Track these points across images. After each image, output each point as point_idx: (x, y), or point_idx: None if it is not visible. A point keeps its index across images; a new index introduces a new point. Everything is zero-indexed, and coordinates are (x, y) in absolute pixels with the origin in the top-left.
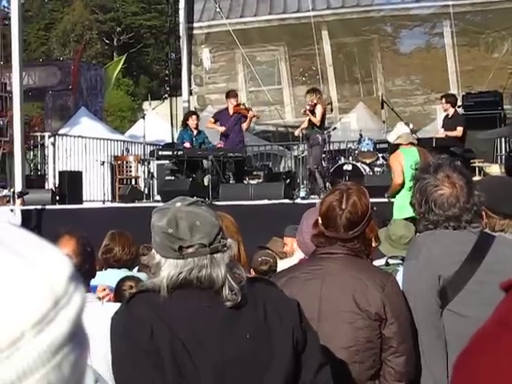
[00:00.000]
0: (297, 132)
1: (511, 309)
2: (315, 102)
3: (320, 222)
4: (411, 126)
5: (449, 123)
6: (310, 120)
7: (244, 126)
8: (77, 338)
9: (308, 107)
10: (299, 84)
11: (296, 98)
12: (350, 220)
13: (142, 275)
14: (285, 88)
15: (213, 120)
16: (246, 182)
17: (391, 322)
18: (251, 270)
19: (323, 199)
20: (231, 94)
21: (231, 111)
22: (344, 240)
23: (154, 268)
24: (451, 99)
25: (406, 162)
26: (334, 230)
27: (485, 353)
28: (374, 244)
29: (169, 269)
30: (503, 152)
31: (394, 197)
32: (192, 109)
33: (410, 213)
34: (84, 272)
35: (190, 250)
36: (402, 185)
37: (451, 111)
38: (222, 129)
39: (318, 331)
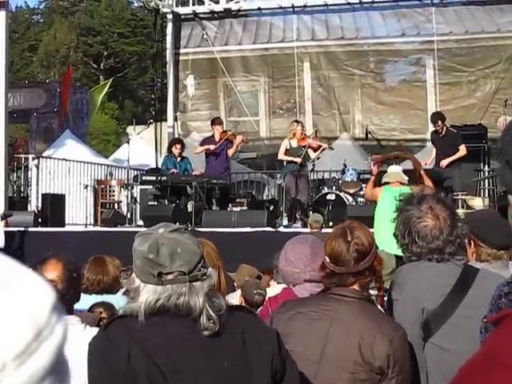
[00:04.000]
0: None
1: (500, 343)
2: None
3: (328, 260)
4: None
5: (445, 141)
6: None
7: (230, 151)
8: (58, 368)
9: (311, 140)
10: (276, 117)
11: (272, 130)
12: (359, 251)
13: (125, 299)
14: (262, 120)
15: (199, 147)
16: (229, 209)
17: (392, 377)
18: (241, 298)
19: (327, 240)
20: (217, 120)
21: (217, 138)
22: (355, 274)
23: (132, 292)
24: (441, 117)
25: (382, 199)
26: (344, 265)
27: None
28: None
29: (147, 294)
30: (486, 185)
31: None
32: (176, 135)
33: (388, 248)
34: (69, 296)
35: (170, 276)
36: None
37: (444, 130)
38: (213, 147)
39: (316, 374)
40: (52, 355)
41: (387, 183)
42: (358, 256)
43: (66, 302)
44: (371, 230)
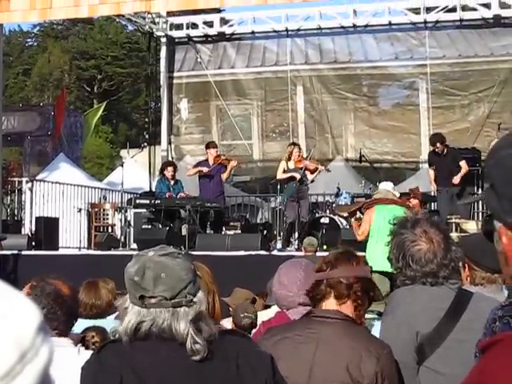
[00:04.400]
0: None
1: (489, 369)
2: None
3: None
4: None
5: (448, 160)
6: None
7: (224, 176)
8: None
9: (308, 162)
10: (269, 140)
11: (265, 154)
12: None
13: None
14: (255, 143)
15: (193, 169)
16: (223, 232)
17: None
18: (232, 323)
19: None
20: (211, 144)
21: (211, 162)
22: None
23: (122, 313)
24: (441, 139)
25: (377, 216)
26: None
27: None
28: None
29: (131, 316)
30: (480, 209)
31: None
32: (170, 158)
33: (376, 267)
34: (66, 319)
35: (152, 300)
36: (366, 236)
37: (445, 149)
38: (206, 169)
39: None
40: (36, 377)
41: (377, 202)
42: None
43: (64, 324)
44: (363, 253)
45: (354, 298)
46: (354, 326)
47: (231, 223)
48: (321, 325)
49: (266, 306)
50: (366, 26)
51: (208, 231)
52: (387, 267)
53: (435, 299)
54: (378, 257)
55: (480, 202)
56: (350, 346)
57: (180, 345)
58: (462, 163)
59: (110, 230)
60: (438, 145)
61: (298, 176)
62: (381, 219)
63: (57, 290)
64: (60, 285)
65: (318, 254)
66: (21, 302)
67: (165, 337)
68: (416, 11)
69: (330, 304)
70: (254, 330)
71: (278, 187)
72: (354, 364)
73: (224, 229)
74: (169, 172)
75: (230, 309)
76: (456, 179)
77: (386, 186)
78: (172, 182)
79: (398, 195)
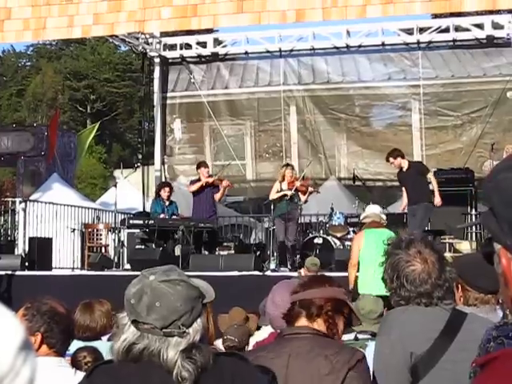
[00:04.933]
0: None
1: None
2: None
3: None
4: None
5: (412, 172)
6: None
7: (217, 196)
8: None
9: (298, 183)
10: (262, 160)
11: (258, 174)
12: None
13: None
14: (248, 164)
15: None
16: (216, 252)
17: None
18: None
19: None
20: (202, 164)
21: (204, 182)
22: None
23: (119, 328)
24: (397, 153)
25: (366, 241)
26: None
27: None
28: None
29: (128, 334)
30: (473, 229)
31: (355, 285)
32: (163, 179)
33: (369, 290)
34: (63, 338)
35: (145, 326)
36: (358, 265)
37: (405, 163)
38: (210, 180)
39: None
40: None
41: (364, 225)
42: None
43: (62, 343)
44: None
45: (325, 317)
46: (324, 339)
47: (225, 243)
48: (291, 341)
49: (259, 327)
50: (359, 46)
51: (202, 252)
52: (379, 290)
53: (429, 320)
54: (369, 281)
55: (472, 221)
56: (320, 355)
57: (169, 372)
58: (430, 175)
59: (103, 250)
60: (391, 160)
61: (289, 193)
62: (370, 243)
63: (52, 309)
64: (55, 304)
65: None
66: (0, 321)
67: (155, 362)
68: (409, 32)
69: (302, 322)
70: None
71: (272, 207)
72: (325, 372)
73: (217, 249)
74: (165, 192)
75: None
76: (437, 200)
77: (374, 210)
78: (167, 203)
79: (384, 218)
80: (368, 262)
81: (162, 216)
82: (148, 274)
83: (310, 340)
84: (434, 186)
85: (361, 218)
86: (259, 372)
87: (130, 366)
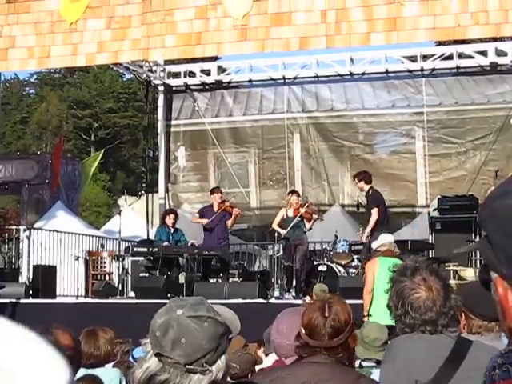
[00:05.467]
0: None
1: None
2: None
3: (303, 332)
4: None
5: (367, 202)
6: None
7: (229, 223)
8: None
9: (303, 211)
10: (266, 188)
11: (262, 201)
12: (334, 327)
13: (115, 372)
14: (252, 191)
15: (197, 215)
16: (220, 280)
17: None
18: None
19: (305, 311)
20: (215, 190)
21: (216, 208)
22: (328, 349)
23: (143, 356)
24: (361, 176)
25: (381, 269)
26: (319, 339)
27: None
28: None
29: (151, 363)
30: (478, 256)
31: (368, 311)
32: (167, 206)
33: (385, 320)
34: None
35: (169, 360)
36: (372, 293)
37: (366, 188)
38: (205, 221)
39: None
40: None
41: (378, 252)
42: (332, 332)
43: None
44: (360, 301)
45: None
46: (342, 367)
47: (229, 271)
48: (311, 366)
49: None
50: (363, 73)
51: (207, 279)
52: (390, 320)
53: (434, 347)
54: (381, 309)
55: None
56: (343, 378)
57: None
58: (374, 211)
59: (107, 278)
60: (356, 181)
61: (282, 233)
62: (385, 271)
63: (56, 341)
64: (60, 335)
65: None
66: (49, 358)
67: None
68: (413, 59)
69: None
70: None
71: (276, 235)
72: None
73: (222, 276)
74: (170, 219)
75: None
76: (363, 236)
77: (389, 238)
78: (172, 230)
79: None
80: (381, 291)
81: (165, 244)
82: (176, 307)
83: (329, 368)
84: (371, 222)
85: (375, 245)
86: None
87: None
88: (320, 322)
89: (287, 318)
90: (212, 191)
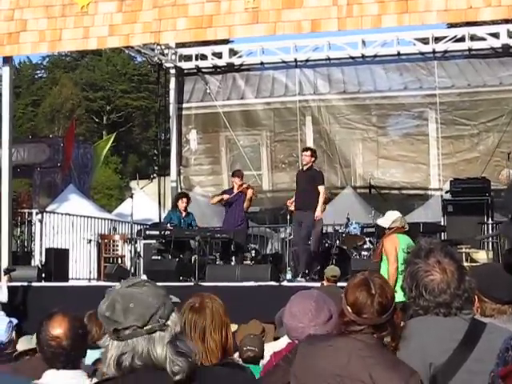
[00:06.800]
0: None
1: None
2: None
3: (350, 310)
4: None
5: (303, 178)
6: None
7: (244, 205)
8: None
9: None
10: (278, 171)
11: (274, 184)
12: (382, 304)
13: None
14: (264, 174)
15: (216, 197)
16: (232, 263)
17: None
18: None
19: (347, 289)
20: (235, 173)
21: (236, 190)
22: (375, 326)
23: (104, 352)
24: (312, 152)
25: (400, 247)
26: (367, 317)
27: None
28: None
29: (112, 351)
30: (490, 238)
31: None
32: (179, 189)
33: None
34: (75, 352)
35: (127, 331)
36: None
37: (307, 161)
38: (226, 196)
39: None
40: None
41: (391, 230)
42: (380, 309)
43: (71, 357)
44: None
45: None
46: (385, 349)
47: (244, 254)
48: (356, 342)
49: (276, 338)
50: (375, 56)
51: (218, 262)
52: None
53: (448, 330)
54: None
55: (489, 231)
56: (379, 364)
57: (163, 369)
58: (321, 188)
59: (119, 261)
60: (304, 153)
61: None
62: (401, 249)
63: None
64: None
65: (340, 284)
66: None
67: (148, 366)
68: (424, 41)
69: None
70: (263, 361)
71: (288, 217)
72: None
73: (234, 259)
74: (183, 203)
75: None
76: (317, 212)
77: (399, 214)
78: (183, 214)
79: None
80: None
81: (172, 225)
82: (113, 288)
83: (374, 345)
84: (320, 200)
85: (386, 223)
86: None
87: (129, 377)
88: (368, 299)
89: (300, 301)
90: (233, 174)
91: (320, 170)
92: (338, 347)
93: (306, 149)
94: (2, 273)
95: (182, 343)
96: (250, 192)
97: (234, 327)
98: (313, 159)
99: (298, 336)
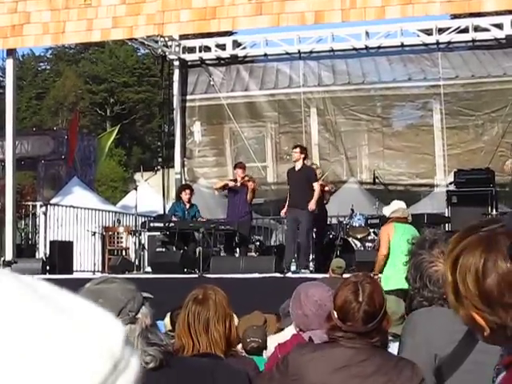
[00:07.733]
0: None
1: None
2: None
3: (336, 316)
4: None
5: (298, 177)
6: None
7: (248, 197)
8: None
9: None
10: (283, 162)
11: (279, 176)
12: (369, 313)
13: None
14: (269, 166)
15: (220, 182)
16: (237, 254)
17: None
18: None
19: (337, 292)
20: (238, 165)
21: (239, 183)
22: (362, 334)
23: None
24: (302, 150)
25: (395, 235)
26: (352, 324)
27: None
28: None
29: None
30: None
31: (381, 272)
32: (183, 181)
33: (394, 285)
34: None
35: None
36: (387, 257)
37: (300, 164)
38: (231, 183)
39: None
40: None
41: (390, 219)
42: (366, 318)
43: None
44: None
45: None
46: (380, 349)
47: (248, 245)
48: (350, 351)
49: (279, 329)
50: (379, 47)
51: (222, 254)
52: (403, 284)
53: (453, 321)
54: (396, 274)
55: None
56: (382, 372)
57: None
58: (315, 185)
59: (124, 253)
60: (293, 151)
61: None
62: (400, 237)
63: None
64: None
65: (345, 275)
66: (103, 313)
67: None
68: (428, 32)
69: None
70: (266, 352)
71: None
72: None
73: (238, 251)
74: (186, 195)
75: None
76: (311, 204)
77: (402, 205)
78: (187, 206)
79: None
80: (396, 255)
81: (176, 217)
82: (82, 288)
83: (369, 351)
84: (315, 195)
85: (388, 212)
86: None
87: None
88: (354, 307)
89: (307, 292)
90: (235, 166)
91: (311, 166)
92: (327, 357)
93: (295, 146)
94: (4, 265)
95: (154, 335)
96: (250, 184)
97: (235, 320)
98: (303, 156)
99: (303, 326)
